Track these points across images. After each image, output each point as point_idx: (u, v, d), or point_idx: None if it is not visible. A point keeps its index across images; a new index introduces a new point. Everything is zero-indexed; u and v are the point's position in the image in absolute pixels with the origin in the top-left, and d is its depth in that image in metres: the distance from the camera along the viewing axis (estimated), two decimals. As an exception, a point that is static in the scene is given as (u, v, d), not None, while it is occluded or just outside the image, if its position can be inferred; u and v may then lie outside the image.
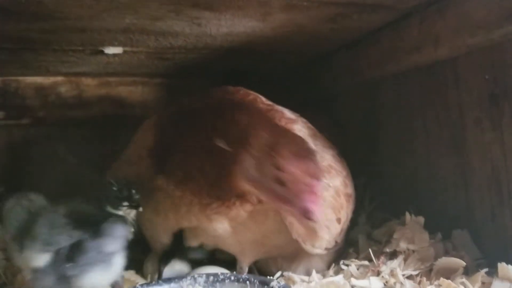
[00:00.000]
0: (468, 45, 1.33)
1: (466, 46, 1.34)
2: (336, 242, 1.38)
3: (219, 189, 1.19)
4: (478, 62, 1.37)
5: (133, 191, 1.23)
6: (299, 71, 2.25)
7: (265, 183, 1.11)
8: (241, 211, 1.22)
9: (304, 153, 1.11)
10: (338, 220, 1.36)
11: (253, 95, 1.41)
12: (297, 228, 1.26)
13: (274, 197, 1.11)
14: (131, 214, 1.26)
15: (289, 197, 1.08)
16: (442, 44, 1.39)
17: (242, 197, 1.19)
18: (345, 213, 1.40)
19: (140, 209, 1.24)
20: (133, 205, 1.23)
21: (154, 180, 1.31)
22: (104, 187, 1.23)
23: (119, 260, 1.14)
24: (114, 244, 1.13)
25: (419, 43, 1.46)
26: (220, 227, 1.28)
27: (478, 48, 1.34)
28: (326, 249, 1.35)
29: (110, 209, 1.21)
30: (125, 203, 1.21)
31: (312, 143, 1.37)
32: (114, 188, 1.22)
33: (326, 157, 1.39)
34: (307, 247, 1.30)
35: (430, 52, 1.43)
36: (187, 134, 1.29)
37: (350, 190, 1.44)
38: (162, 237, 1.43)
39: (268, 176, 1.09)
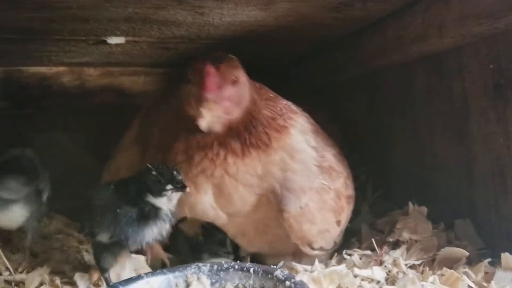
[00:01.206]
0: (473, 34, 1.32)
1: (471, 35, 1.33)
2: (335, 242, 1.40)
3: (186, 128, 1.22)
4: (482, 51, 1.36)
5: (175, 172, 1.18)
6: (302, 61, 2.24)
7: (184, 90, 1.23)
8: (224, 173, 1.23)
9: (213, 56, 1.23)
10: (338, 223, 1.37)
11: (258, 84, 1.42)
12: (296, 231, 1.28)
13: (188, 101, 1.21)
14: (175, 199, 1.20)
15: (193, 91, 1.19)
16: (446, 33, 1.37)
17: (223, 145, 1.22)
18: (346, 215, 1.41)
19: (187, 189, 1.19)
20: (178, 187, 1.18)
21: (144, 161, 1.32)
22: (142, 175, 1.18)
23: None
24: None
25: (424, 32, 1.44)
26: (209, 201, 1.28)
27: (483, 37, 1.33)
28: (324, 250, 1.36)
29: (151, 198, 1.16)
30: (169, 187, 1.17)
31: (313, 140, 1.37)
32: (154, 173, 1.16)
33: (327, 157, 1.38)
34: (306, 249, 1.32)
35: (435, 41, 1.42)
36: (161, 108, 1.34)
37: (350, 191, 1.44)
38: None
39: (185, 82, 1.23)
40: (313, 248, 1.32)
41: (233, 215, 1.32)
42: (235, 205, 1.29)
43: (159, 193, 1.16)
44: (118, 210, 1.15)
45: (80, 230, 1.27)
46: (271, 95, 1.39)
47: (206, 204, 1.28)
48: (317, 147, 1.37)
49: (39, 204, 1.46)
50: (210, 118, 1.16)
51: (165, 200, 1.18)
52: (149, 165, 1.18)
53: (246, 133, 1.25)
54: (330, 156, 1.40)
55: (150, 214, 1.17)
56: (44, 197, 1.50)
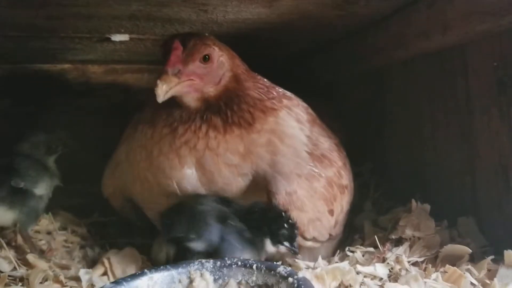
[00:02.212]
0: (477, 32, 1.31)
1: (475, 33, 1.32)
2: (330, 234, 1.38)
3: (170, 103, 1.26)
4: (486, 49, 1.35)
5: (296, 231, 1.22)
6: (305, 58, 2.24)
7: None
8: (206, 147, 1.26)
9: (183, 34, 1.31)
10: (331, 212, 1.35)
11: (256, 73, 1.43)
12: None
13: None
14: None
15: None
16: (450, 31, 1.37)
17: (205, 120, 1.27)
18: (339, 205, 1.39)
19: (299, 256, 1.24)
20: (293, 250, 1.22)
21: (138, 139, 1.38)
22: (273, 218, 1.22)
23: None
24: None
25: (427, 29, 1.44)
26: (193, 174, 1.29)
27: (487, 35, 1.32)
28: (318, 241, 1.35)
29: (267, 244, 1.22)
30: (287, 244, 1.21)
31: (308, 129, 1.37)
32: (286, 225, 1.20)
33: (320, 146, 1.38)
34: (298, 239, 1.29)
35: (438, 38, 1.42)
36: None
37: (345, 181, 1.43)
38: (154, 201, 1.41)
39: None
40: (305, 238, 1.30)
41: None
42: (217, 184, 1.29)
43: (275, 243, 1.22)
44: (232, 223, 1.22)
45: (165, 232, 1.27)
46: (266, 82, 1.41)
47: (191, 180, 1.29)
48: (311, 136, 1.37)
49: (24, 199, 1.50)
50: (166, 90, 1.19)
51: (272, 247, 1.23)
52: (284, 214, 1.22)
53: (228, 110, 1.29)
54: (325, 146, 1.39)
55: (259, 248, 1.23)
56: (37, 191, 1.54)
